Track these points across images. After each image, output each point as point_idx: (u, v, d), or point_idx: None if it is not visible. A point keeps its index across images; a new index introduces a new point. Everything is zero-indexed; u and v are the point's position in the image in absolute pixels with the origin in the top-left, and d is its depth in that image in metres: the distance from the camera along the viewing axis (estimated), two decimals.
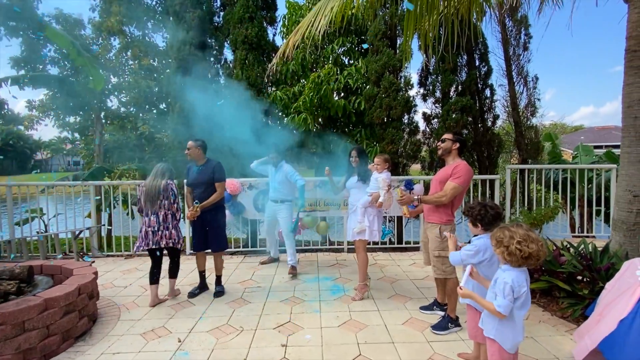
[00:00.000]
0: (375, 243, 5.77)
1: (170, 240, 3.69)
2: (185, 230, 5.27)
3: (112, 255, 5.49)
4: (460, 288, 2.16)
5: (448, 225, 3.09)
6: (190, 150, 3.79)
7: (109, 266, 5.02)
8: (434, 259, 3.09)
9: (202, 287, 4.04)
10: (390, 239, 5.99)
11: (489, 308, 2.06)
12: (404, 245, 5.84)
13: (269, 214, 4.58)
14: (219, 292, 3.91)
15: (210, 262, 4.26)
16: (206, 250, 3.90)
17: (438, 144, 3.17)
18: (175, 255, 3.84)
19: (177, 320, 3.41)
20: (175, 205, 3.67)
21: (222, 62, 6.86)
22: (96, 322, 3.32)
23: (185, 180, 3.99)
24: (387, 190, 3.55)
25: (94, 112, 8.65)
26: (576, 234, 5.56)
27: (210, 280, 4.26)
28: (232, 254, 5.54)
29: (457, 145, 3.11)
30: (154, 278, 3.77)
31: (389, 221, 6.20)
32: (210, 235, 3.82)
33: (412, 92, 6.24)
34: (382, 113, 5.85)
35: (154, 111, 9.43)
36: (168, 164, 3.86)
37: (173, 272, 3.88)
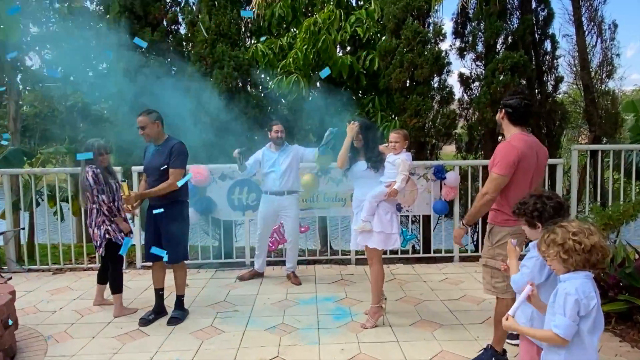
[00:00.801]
0: (393, 252, 5.77)
1: (94, 242, 3.86)
2: (136, 233, 5.28)
3: (36, 270, 5.51)
4: (507, 318, 2.02)
5: (506, 228, 2.96)
6: (147, 129, 3.82)
7: (31, 284, 5.03)
8: (481, 267, 3.08)
9: (159, 311, 4.05)
10: (413, 246, 6.03)
11: (546, 336, 1.91)
12: (432, 254, 5.82)
13: (267, 212, 4.68)
14: (178, 319, 3.92)
15: (171, 277, 4.15)
16: (162, 261, 3.86)
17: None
18: (110, 261, 3.96)
19: (125, 356, 3.34)
20: (95, 198, 3.83)
21: (183, 4, 6.75)
22: None
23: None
24: (408, 179, 3.58)
25: (6, 73, 8.33)
26: None
27: (170, 301, 4.24)
28: (199, 267, 5.60)
29: (504, 113, 2.96)
30: (100, 277, 4.22)
31: (412, 222, 6.28)
32: (165, 241, 3.80)
33: (444, 46, 6.20)
34: (402, 74, 5.82)
35: (90, 74, 9.21)
36: (98, 139, 3.91)
37: (112, 286, 4.03)
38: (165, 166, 3.76)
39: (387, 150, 3.74)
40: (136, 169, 5.37)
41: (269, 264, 5.42)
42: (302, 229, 5.30)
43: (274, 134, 4.70)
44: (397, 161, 3.60)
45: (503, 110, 2.97)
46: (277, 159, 4.58)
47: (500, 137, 5.67)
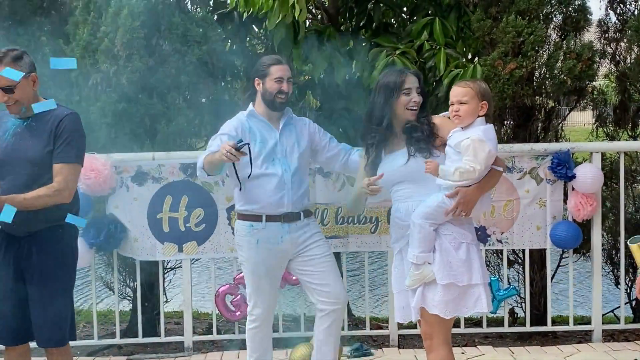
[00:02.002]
0: (473, 321, 6.05)
1: None
2: None
3: None
4: None
5: None
6: (17, 92, 3.69)
7: None
8: None
9: None
10: (513, 312, 6.18)
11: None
12: (550, 327, 5.89)
13: (268, 262, 4.46)
14: None
15: None
16: (27, 343, 3.99)
17: None
18: None
19: None
20: None
21: None
22: None
23: None
24: (493, 176, 3.79)
25: None
26: None
27: None
28: (96, 354, 5.66)
29: None
30: None
31: (511, 264, 6.23)
32: (36, 305, 3.82)
33: None
34: None
35: None
36: None
37: None
38: (43, 157, 3.78)
39: (446, 124, 3.88)
40: None
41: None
42: (292, 279, 5.30)
43: (273, 83, 4.37)
44: (465, 142, 3.64)
45: None
46: (277, 142, 4.36)
47: None
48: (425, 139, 3.82)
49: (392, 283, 4.03)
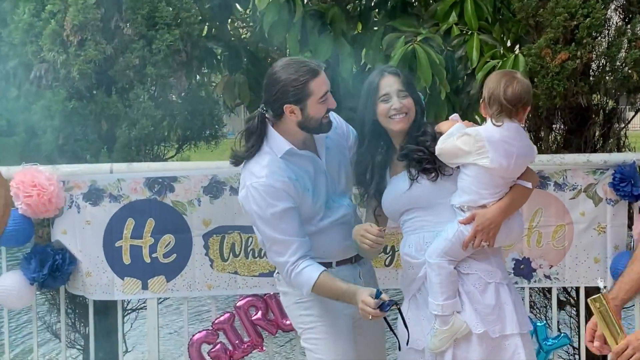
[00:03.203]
0: None
1: None
2: None
3: None
4: None
5: None
6: None
7: None
8: None
9: None
10: None
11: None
12: None
13: (350, 308, 4.40)
14: None
15: None
16: None
17: None
18: None
19: None
20: None
21: None
22: None
23: None
24: (515, 196, 3.88)
25: None
26: None
27: None
28: None
29: None
30: None
31: (563, 305, 6.24)
32: None
33: None
34: None
35: None
36: None
37: None
38: None
39: (451, 125, 3.99)
40: None
41: None
42: (286, 324, 5.31)
43: (319, 106, 4.12)
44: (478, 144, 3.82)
45: None
46: (326, 176, 4.30)
47: None
48: (428, 157, 3.81)
49: (400, 339, 3.90)
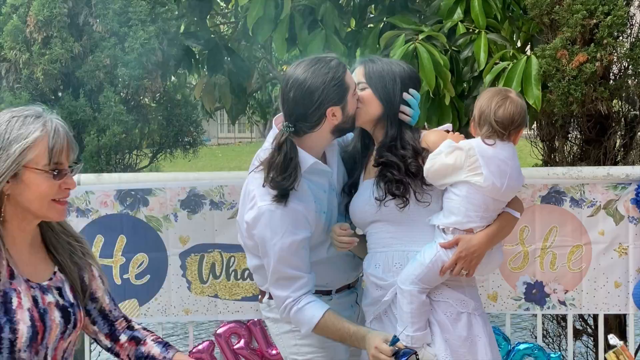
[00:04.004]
0: None
1: None
2: None
3: None
4: None
5: None
6: None
7: None
8: None
9: None
10: None
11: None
12: None
13: None
14: None
15: None
16: None
17: None
18: None
19: None
20: None
21: None
22: None
23: None
24: (503, 224, 3.93)
25: None
26: None
27: None
28: None
29: None
30: None
31: (580, 334, 6.28)
32: None
33: None
34: None
35: None
36: None
37: None
38: None
39: (439, 137, 3.98)
40: None
41: None
42: (271, 354, 5.32)
43: (354, 100, 4.20)
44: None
45: None
46: (335, 191, 4.36)
47: None
48: (402, 178, 3.79)
49: None
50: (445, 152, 3.75)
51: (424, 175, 3.77)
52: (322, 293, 4.33)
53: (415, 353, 3.71)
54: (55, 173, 3.18)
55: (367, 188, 3.94)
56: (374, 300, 3.97)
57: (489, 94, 3.94)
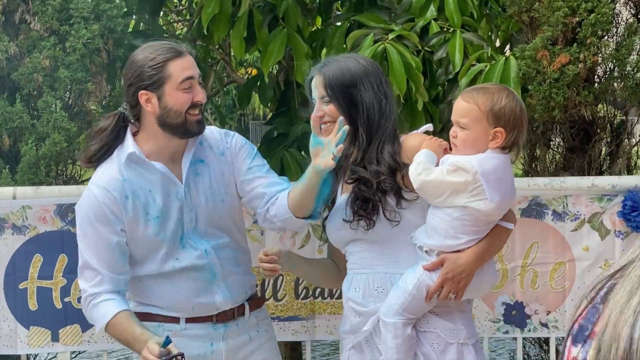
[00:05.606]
0: None
1: None
2: None
3: None
4: None
5: None
6: None
7: None
8: None
9: None
10: None
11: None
12: None
13: None
14: None
15: None
16: None
17: None
18: None
19: None
20: None
21: None
22: None
23: None
24: (495, 239, 3.93)
25: None
26: None
27: None
28: None
29: None
30: None
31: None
32: None
33: None
34: None
35: None
36: None
37: None
38: None
39: (428, 145, 3.92)
40: None
41: None
42: None
43: (180, 94, 4.22)
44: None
45: None
46: (182, 205, 4.42)
47: None
48: (371, 197, 3.77)
49: None
50: (446, 168, 3.66)
51: (416, 187, 3.68)
52: (167, 320, 4.34)
53: (182, 355, 3.80)
54: None
55: (341, 206, 3.94)
56: (352, 327, 3.93)
57: (506, 92, 3.86)
